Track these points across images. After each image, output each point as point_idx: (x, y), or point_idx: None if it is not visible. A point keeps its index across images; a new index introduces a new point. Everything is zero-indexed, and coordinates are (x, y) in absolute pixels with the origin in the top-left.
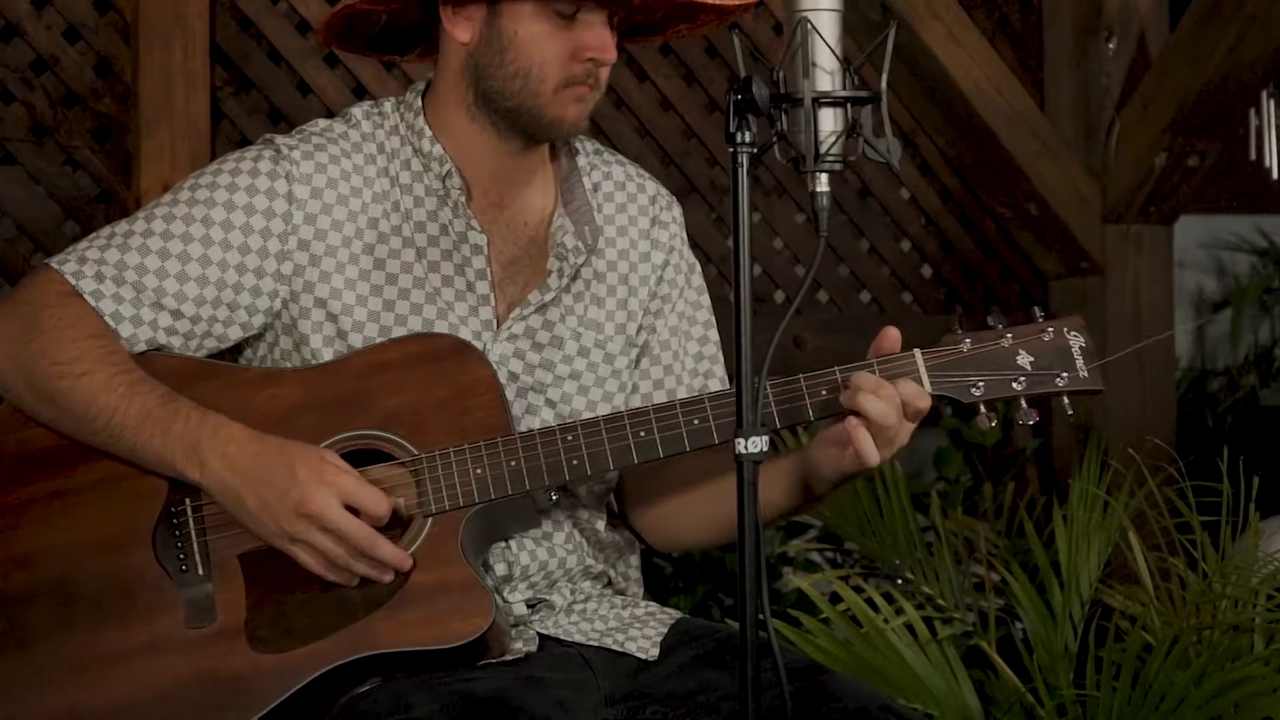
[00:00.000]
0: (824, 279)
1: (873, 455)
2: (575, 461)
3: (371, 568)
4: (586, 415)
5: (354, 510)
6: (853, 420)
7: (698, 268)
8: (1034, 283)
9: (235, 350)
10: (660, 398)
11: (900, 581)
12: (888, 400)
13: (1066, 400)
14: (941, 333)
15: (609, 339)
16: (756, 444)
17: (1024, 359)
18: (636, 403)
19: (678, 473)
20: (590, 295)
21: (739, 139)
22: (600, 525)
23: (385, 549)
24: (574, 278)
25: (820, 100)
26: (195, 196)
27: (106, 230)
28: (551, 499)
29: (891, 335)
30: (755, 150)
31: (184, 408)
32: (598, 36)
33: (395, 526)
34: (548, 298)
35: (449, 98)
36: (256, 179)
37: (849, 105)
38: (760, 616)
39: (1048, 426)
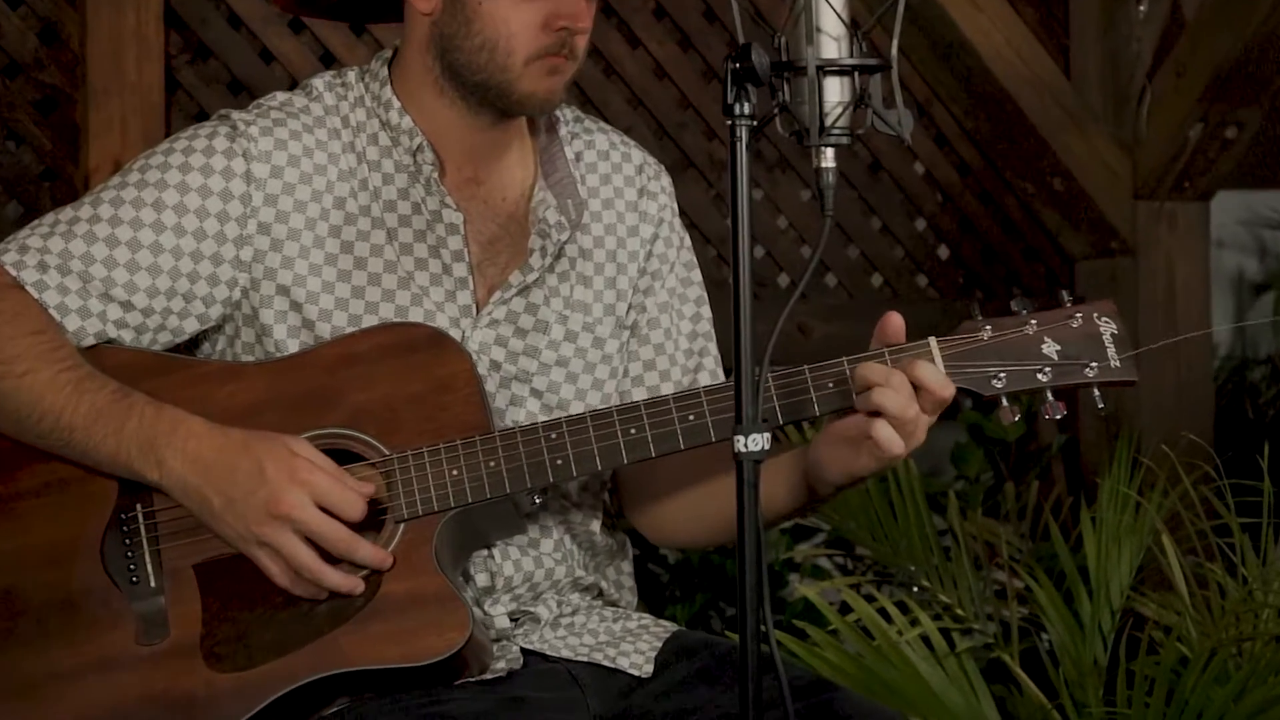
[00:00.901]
0: (831, 261)
1: (896, 444)
2: (560, 461)
3: (340, 580)
4: (575, 404)
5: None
6: (875, 421)
7: (688, 240)
8: (1060, 264)
9: (193, 343)
10: (652, 380)
11: (915, 589)
12: (898, 388)
13: (1097, 393)
14: (960, 319)
15: (597, 321)
16: (757, 441)
17: (1050, 348)
18: (626, 386)
19: (677, 469)
20: (576, 275)
21: (738, 111)
22: (595, 528)
23: (364, 550)
24: (558, 256)
25: (826, 68)
26: (145, 179)
27: (49, 217)
28: (535, 502)
29: (894, 322)
30: (755, 123)
31: (138, 403)
32: (570, 3)
33: (367, 531)
34: (530, 279)
35: (416, 68)
36: (211, 158)
37: (857, 73)
38: (762, 628)
39: (1075, 421)
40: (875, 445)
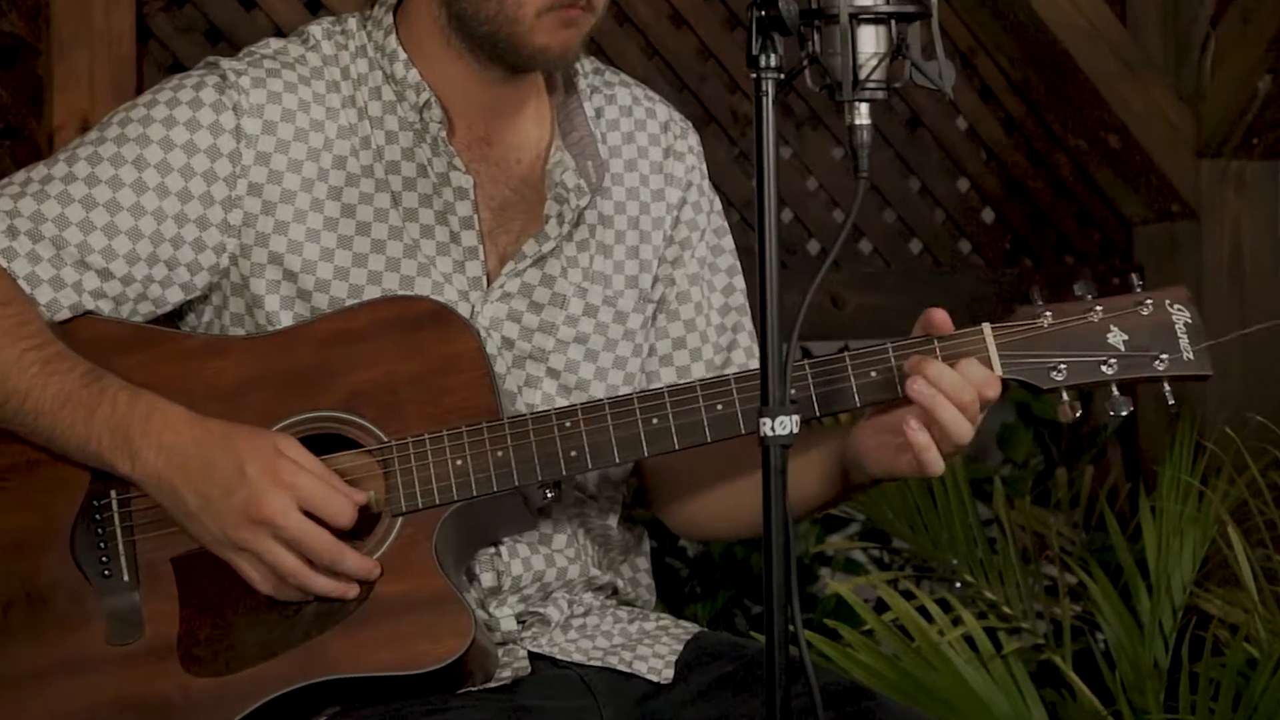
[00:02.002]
0: (866, 226)
1: (937, 465)
2: (574, 453)
3: (331, 586)
4: (596, 385)
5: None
6: (912, 421)
7: (718, 204)
8: (1115, 229)
9: (177, 315)
10: (682, 359)
11: (958, 585)
12: (960, 391)
13: (1167, 388)
14: (1005, 290)
15: (619, 294)
16: (785, 425)
17: (1117, 337)
18: (654, 365)
19: (712, 458)
20: (596, 243)
21: (763, 62)
22: (613, 523)
23: (350, 561)
24: (576, 223)
25: (859, 16)
26: (125, 133)
27: (20, 176)
28: (547, 497)
29: (938, 317)
30: (783, 76)
31: (110, 388)
32: None
33: (360, 527)
34: (546, 248)
35: (422, 17)
36: (198, 111)
37: (894, 21)
38: (791, 629)
39: (1134, 402)
40: (914, 462)
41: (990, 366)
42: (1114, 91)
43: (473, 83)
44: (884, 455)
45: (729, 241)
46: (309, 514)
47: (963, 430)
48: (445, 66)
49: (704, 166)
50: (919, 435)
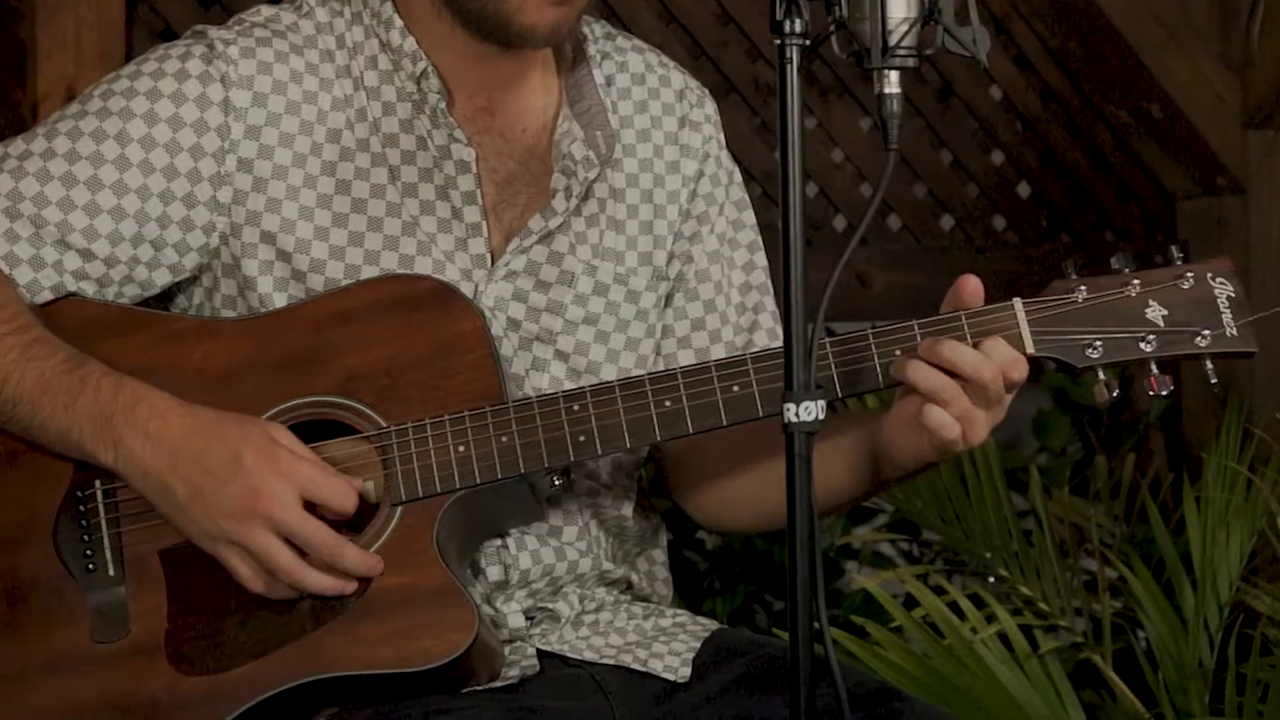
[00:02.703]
0: (895, 201)
1: (948, 428)
2: (582, 438)
3: (327, 583)
4: (607, 367)
5: (311, 507)
6: (932, 411)
7: (738, 176)
8: (1158, 204)
9: (166, 296)
10: (701, 341)
11: (992, 580)
12: (978, 369)
13: (1210, 365)
14: (1042, 267)
15: (631, 272)
16: (810, 410)
17: (1156, 312)
18: (671, 348)
19: (735, 443)
20: (606, 218)
21: (788, 28)
22: (627, 512)
23: (352, 557)
24: (585, 197)
25: None
26: (108, 107)
27: None
28: (554, 484)
29: (970, 286)
30: (808, 42)
31: (93, 374)
32: None
33: (357, 518)
34: (553, 223)
35: None
36: (184, 83)
37: None
38: (815, 626)
39: (1177, 385)
40: (929, 432)
41: (1020, 343)
42: (1157, 59)
43: (470, 54)
44: (910, 442)
45: (750, 216)
46: (308, 507)
47: (959, 406)
48: (441, 37)
49: (722, 136)
50: (929, 413)
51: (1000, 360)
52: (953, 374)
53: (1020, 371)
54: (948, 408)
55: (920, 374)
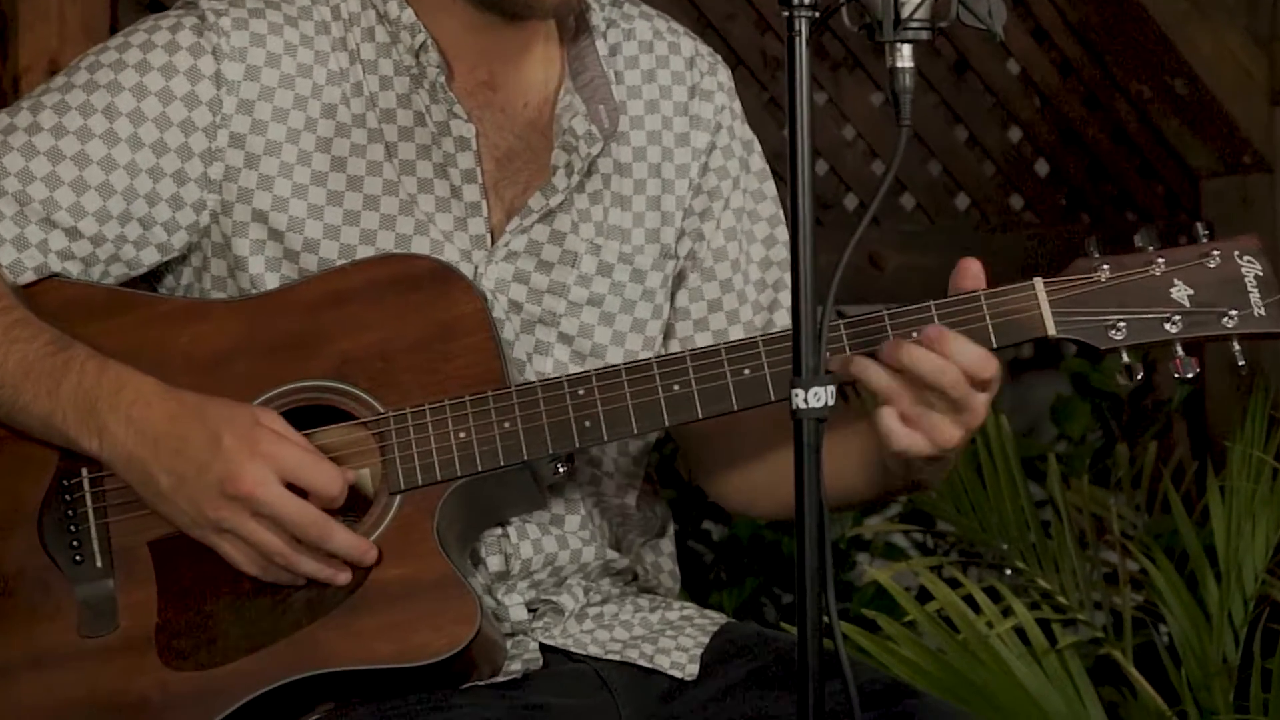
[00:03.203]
0: (908, 179)
1: (900, 437)
2: (588, 423)
3: (322, 564)
4: (613, 350)
5: (300, 491)
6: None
7: (757, 146)
8: (1182, 182)
9: (153, 276)
10: (719, 323)
11: (1008, 572)
12: (938, 374)
13: (1237, 346)
14: (1060, 249)
15: (637, 250)
16: (819, 396)
17: (1181, 292)
18: (688, 331)
19: (761, 425)
20: (610, 194)
21: (796, 0)
22: (632, 501)
23: (341, 538)
24: (588, 173)
25: None
26: (95, 79)
27: None
28: (559, 472)
29: (972, 271)
30: (818, 14)
31: (77, 358)
32: None
33: (353, 508)
34: (554, 201)
35: None
36: (174, 55)
37: None
38: (825, 620)
39: (1201, 371)
40: (881, 438)
41: (1041, 324)
42: (1181, 32)
43: (471, 26)
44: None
45: (771, 188)
46: (294, 490)
47: (905, 408)
48: (441, 8)
49: (737, 105)
50: (881, 418)
51: (965, 362)
52: (915, 379)
53: (988, 370)
54: (897, 407)
55: (867, 371)
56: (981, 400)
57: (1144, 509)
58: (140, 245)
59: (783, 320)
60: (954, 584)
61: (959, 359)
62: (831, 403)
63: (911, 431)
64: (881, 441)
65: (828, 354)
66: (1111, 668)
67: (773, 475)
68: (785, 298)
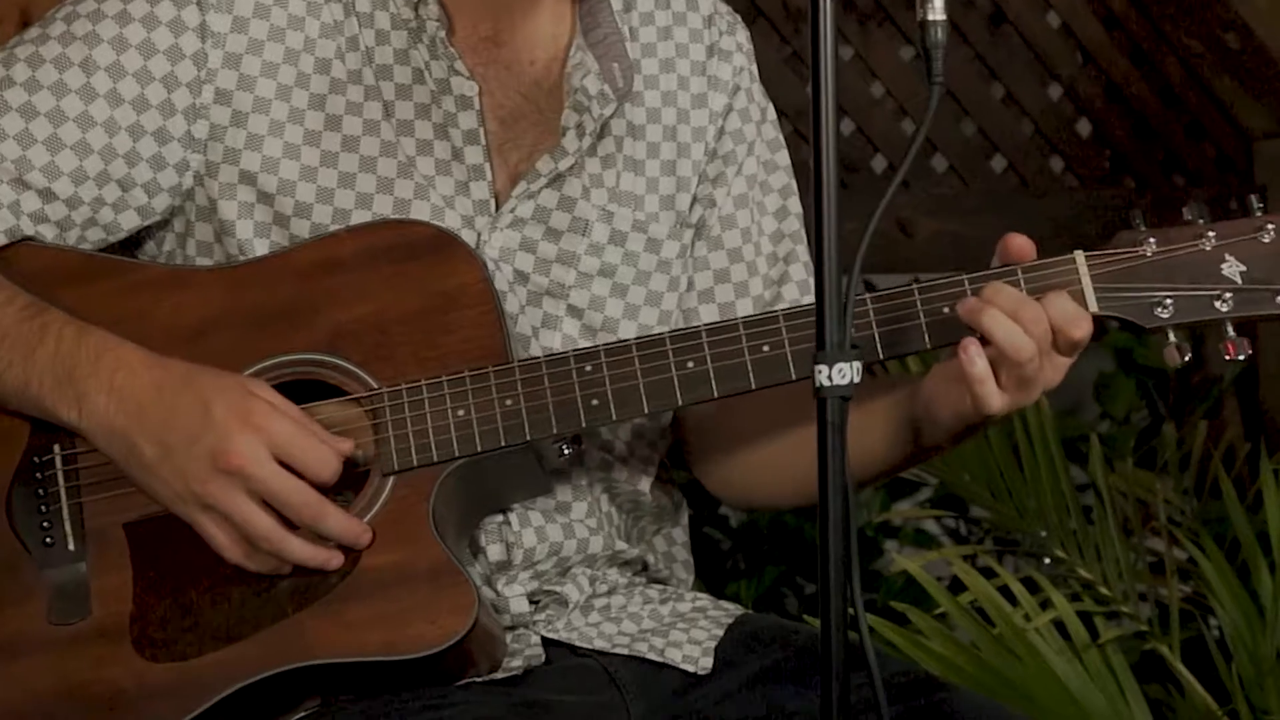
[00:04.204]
0: (941, 140)
1: (992, 400)
2: (595, 402)
3: (311, 549)
4: (625, 325)
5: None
6: (969, 344)
7: (771, 113)
8: (1234, 143)
9: (134, 242)
10: (725, 295)
11: (1047, 561)
12: (1031, 323)
13: None
14: (1104, 215)
15: (652, 218)
16: (844, 373)
17: (1233, 268)
18: (692, 303)
19: (761, 409)
20: (624, 158)
21: None
22: (644, 486)
23: (335, 520)
24: (600, 135)
25: None
26: (71, 31)
27: None
28: (564, 454)
29: (1016, 245)
30: None
31: (54, 323)
32: None
33: (343, 488)
34: (564, 165)
35: None
36: (157, 6)
37: None
38: (851, 612)
39: (1255, 348)
40: (969, 386)
41: (1083, 301)
42: None
43: None
44: (954, 399)
45: (784, 157)
46: (287, 467)
47: (1023, 348)
48: None
49: (755, 68)
50: (973, 362)
51: (1059, 317)
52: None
53: (1082, 329)
54: (1018, 369)
55: (998, 324)
56: (1065, 364)
57: (1192, 493)
58: (119, 208)
59: (791, 294)
60: (989, 574)
61: (1050, 311)
62: (857, 379)
63: (1003, 393)
64: (945, 404)
65: (853, 329)
66: (1157, 664)
67: (779, 459)
68: (796, 271)
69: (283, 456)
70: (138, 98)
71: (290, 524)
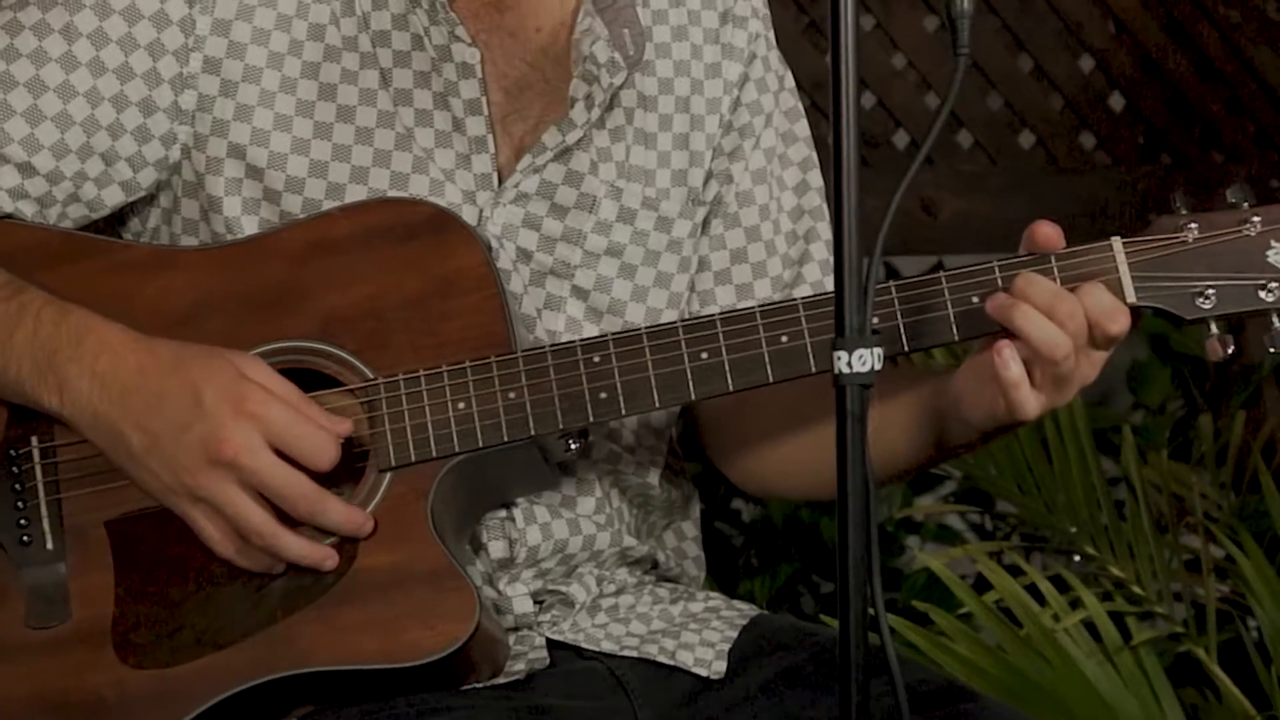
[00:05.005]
0: (966, 115)
1: (1028, 404)
2: (604, 395)
3: (306, 548)
4: (633, 308)
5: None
6: (1003, 347)
7: (790, 81)
8: (1274, 119)
9: (117, 220)
10: (743, 276)
11: (1077, 559)
12: (1066, 319)
13: None
14: (1138, 194)
15: (663, 195)
16: (864, 360)
17: (1279, 255)
18: (707, 284)
19: (783, 398)
20: (634, 131)
21: None
22: (654, 479)
23: (335, 511)
24: (609, 107)
25: None
26: None
27: None
28: (570, 448)
29: (1044, 233)
30: None
31: (33, 303)
32: None
33: (338, 484)
34: (571, 137)
35: None
36: None
37: None
38: (871, 612)
39: None
40: (1003, 390)
41: (1120, 291)
42: None
43: None
44: (985, 398)
45: (804, 128)
46: (282, 454)
47: (1058, 346)
48: None
49: (771, 35)
50: (1008, 366)
51: (1097, 309)
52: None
53: (1120, 324)
54: (1053, 369)
55: (1032, 323)
56: (1101, 358)
57: (1230, 487)
58: (102, 183)
59: (813, 275)
60: (1015, 572)
61: (1086, 303)
62: (879, 366)
63: (1038, 393)
64: (976, 405)
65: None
66: (1193, 666)
67: (802, 451)
68: (817, 250)
69: (279, 445)
70: (122, 66)
71: (285, 518)
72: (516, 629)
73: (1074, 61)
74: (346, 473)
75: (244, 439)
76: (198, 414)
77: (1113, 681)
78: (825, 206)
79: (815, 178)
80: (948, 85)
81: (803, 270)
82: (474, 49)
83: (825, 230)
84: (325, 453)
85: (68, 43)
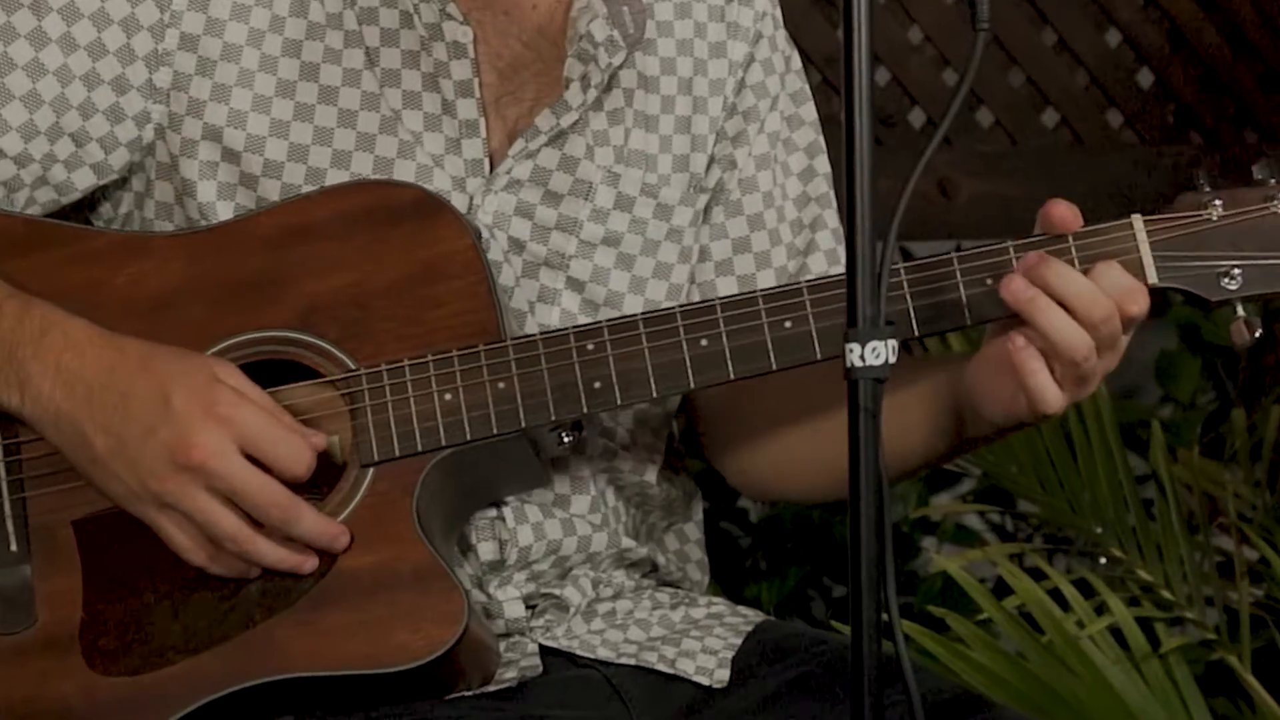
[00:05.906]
0: (985, 92)
1: (1050, 401)
2: (598, 385)
3: (281, 555)
4: (631, 300)
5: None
6: (1019, 340)
7: (796, 62)
8: None
9: (87, 205)
10: (745, 266)
11: (1103, 561)
12: (1088, 308)
13: None
14: (1167, 175)
15: (663, 181)
16: (878, 352)
17: None
18: (708, 275)
19: (783, 391)
20: (634, 114)
21: None
22: (651, 477)
23: (310, 522)
24: (607, 88)
25: None
26: None
27: None
28: (563, 442)
29: (1059, 213)
30: None
31: None
32: None
33: (317, 480)
34: (566, 120)
35: None
36: None
37: None
38: (885, 618)
39: None
40: (1024, 388)
41: (1141, 271)
42: None
43: None
44: (1001, 393)
45: (811, 111)
46: (254, 461)
47: (1078, 347)
48: None
49: (778, 13)
50: (1025, 356)
51: (1115, 291)
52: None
53: (1139, 305)
54: (1075, 368)
55: (1051, 319)
56: (1123, 344)
57: (1265, 486)
58: (72, 166)
59: (818, 265)
60: (1038, 575)
61: (1107, 287)
62: (893, 359)
63: (1059, 387)
64: (993, 400)
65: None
66: (1225, 675)
67: (805, 448)
68: (823, 239)
69: (250, 450)
70: (93, 43)
71: (259, 523)
72: (508, 635)
73: (1100, 36)
74: (327, 469)
75: (214, 443)
76: (165, 416)
77: (1140, 691)
78: (833, 194)
79: (822, 163)
80: (966, 61)
81: (807, 260)
82: (466, 27)
83: (832, 219)
84: (300, 460)
85: (36, 18)
